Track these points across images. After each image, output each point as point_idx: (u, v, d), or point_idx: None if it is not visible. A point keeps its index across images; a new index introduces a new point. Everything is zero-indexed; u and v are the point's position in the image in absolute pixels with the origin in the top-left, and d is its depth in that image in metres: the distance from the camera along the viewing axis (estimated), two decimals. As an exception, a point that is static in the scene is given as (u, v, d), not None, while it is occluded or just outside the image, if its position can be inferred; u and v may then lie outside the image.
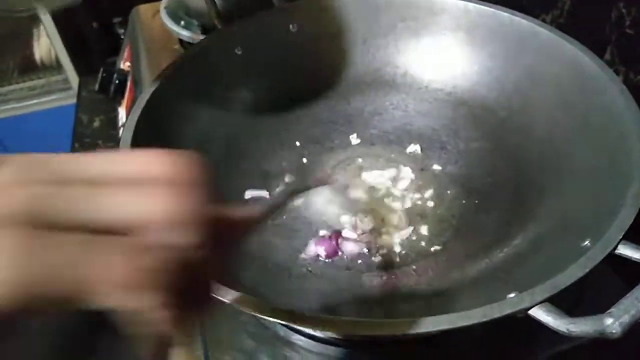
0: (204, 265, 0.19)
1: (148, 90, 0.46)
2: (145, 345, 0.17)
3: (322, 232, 0.46)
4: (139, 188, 0.17)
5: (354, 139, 0.55)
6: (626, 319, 0.26)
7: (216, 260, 0.20)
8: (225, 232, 0.21)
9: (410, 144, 0.54)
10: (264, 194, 0.50)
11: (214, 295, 0.21)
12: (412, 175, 0.50)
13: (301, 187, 0.43)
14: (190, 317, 0.20)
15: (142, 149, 0.19)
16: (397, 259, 0.44)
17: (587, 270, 0.30)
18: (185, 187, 0.18)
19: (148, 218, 0.17)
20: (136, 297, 0.16)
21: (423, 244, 0.45)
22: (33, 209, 0.16)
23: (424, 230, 0.46)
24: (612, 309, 0.26)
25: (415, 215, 0.47)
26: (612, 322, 0.26)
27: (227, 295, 0.30)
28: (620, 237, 0.31)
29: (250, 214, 0.25)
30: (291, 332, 0.43)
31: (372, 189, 0.50)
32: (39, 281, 0.15)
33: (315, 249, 0.45)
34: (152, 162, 0.18)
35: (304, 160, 0.53)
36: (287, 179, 0.51)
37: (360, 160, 0.53)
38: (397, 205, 0.48)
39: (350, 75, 0.59)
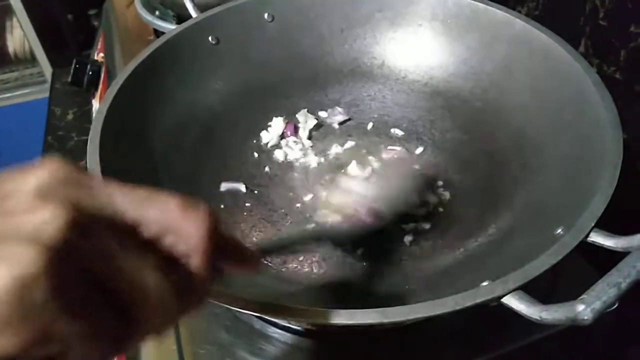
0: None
1: (119, 79, 0.45)
2: None
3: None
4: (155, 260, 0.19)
5: (332, 130, 0.55)
6: (597, 305, 0.26)
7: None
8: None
9: (387, 134, 0.54)
10: (241, 186, 0.49)
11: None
12: (390, 165, 0.50)
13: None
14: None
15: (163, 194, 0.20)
16: (372, 251, 0.44)
17: (560, 258, 0.30)
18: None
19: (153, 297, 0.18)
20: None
21: (397, 235, 0.44)
22: (64, 234, 0.16)
23: (399, 222, 0.46)
24: (584, 296, 0.26)
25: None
26: (583, 309, 0.26)
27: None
28: (592, 224, 0.31)
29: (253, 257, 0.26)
30: (267, 325, 0.42)
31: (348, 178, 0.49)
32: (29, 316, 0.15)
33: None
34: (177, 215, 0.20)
35: (281, 150, 0.53)
36: (266, 169, 0.51)
37: (338, 150, 0.52)
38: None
39: (328, 66, 0.59)
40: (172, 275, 0.19)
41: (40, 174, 0.17)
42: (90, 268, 0.16)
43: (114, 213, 0.18)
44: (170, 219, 0.19)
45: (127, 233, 0.19)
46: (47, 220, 0.16)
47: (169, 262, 0.20)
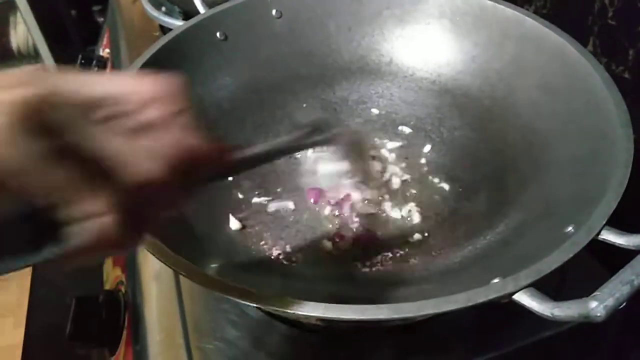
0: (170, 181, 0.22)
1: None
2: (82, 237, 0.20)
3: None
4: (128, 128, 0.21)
5: (340, 127, 0.55)
6: (610, 302, 0.26)
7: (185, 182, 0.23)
8: (199, 159, 0.24)
9: (395, 132, 0.54)
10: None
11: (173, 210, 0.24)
12: (397, 163, 0.50)
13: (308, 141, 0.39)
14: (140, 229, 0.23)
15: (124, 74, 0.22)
16: (382, 246, 0.44)
17: (571, 255, 0.30)
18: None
19: (131, 90, 0.21)
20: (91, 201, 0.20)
21: (407, 231, 0.45)
22: (35, 102, 0.19)
23: (408, 217, 0.46)
24: (597, 293, 0.26)
25: (399, 203, 0.47)
26: (596, 306, 0.26)
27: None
28: (604, 222, 0.31)
29: (226, 149, 0.27)
30: (274, 320, 0.42)
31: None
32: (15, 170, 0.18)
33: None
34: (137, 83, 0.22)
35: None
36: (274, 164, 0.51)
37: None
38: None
39: (335, 63, 0.59)
40: (150, 140, 0.21)
41: (22, 70, 0.20)
42: (60, 134, 0.19)
43: (78, 93, 0.21)
44: (134, 92, 0.22)
45: (93, 109, 0.21)
46: (20, 92, 0.19)
47: (147, 130, 0.22)
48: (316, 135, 0.38)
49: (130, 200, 0.21)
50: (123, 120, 0.21)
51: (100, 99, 0.21)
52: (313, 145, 0.40)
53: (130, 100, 0.21)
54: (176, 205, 0.24)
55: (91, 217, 0.20)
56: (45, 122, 0.19)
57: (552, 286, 0.32)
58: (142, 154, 0.21)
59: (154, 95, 0.22)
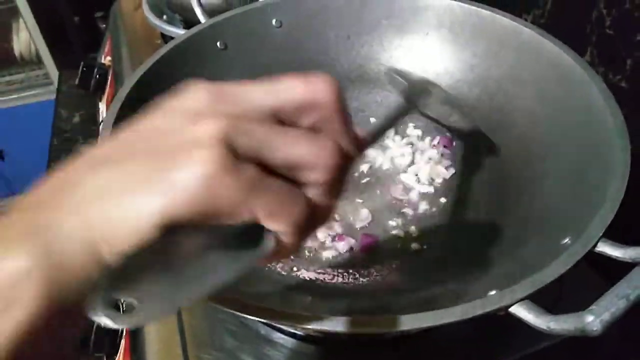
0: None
1: (127, 84, 0.46)
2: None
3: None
4: (304, 133, 0.22)
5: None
6: (607, 316, 0.26)
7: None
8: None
9: (393, 140, 0.54)
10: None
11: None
12: (395, 172, 0.50)
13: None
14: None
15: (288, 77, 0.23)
16: (380, 257, 0.44)
17: (568, 267, 0.30)
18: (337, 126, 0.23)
19: (312, 161, 0.21)
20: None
21: (404, 242, 0.45)
22: (226, 138, 0.20)
23: (405, 228, 0.46)
24: (593, 307, 0.26)
25: (396, 214, 0.47)
26: (592, 320, 0.26)
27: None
28: (601, 234, 0.31)
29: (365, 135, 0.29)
30: (272, 331, 0.42)
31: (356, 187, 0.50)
32: (218, 200, 0.19)
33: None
34: (305, 89, 0.22)
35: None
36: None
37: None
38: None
39: (335, 72, 0.59)
40: (321, 138, 0.22)
41: (191, 96, 0.22)
42: (253, 157, 0.20)
43: (255, 109, 0.22)
44: (301, 96, 0.22)
45: (271, 120, 0.22)
46: (210, 130, 0.20)
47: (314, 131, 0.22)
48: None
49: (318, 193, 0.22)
50: (294, 126, 0.22)
51: (273, 109, 0.22)
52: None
53: (295, 105, 0.22)
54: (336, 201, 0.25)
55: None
56: (243, 148, 0.20)
57: (550, 297, 0.32)
58: (322, 154, 0.22)
59: (316, 99, 0.22)
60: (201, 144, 0.19)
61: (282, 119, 0.22)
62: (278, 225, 0.21)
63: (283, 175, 0.22)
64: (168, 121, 0.21)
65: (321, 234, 0.45)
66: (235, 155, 0.20)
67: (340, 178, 0.23)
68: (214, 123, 0.20)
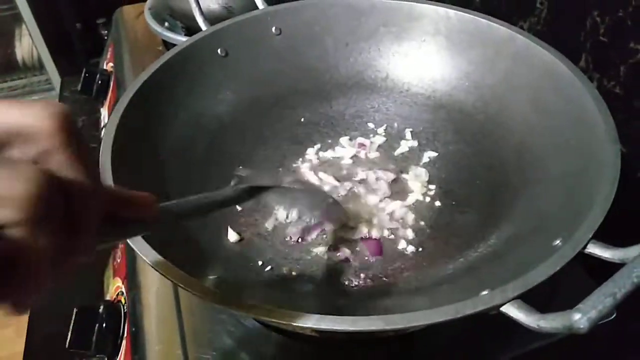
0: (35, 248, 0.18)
1: (130, 90, 0.47)
2: None
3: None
4: None
5: (336, 140, 0.56)
6: (593, 314, 0.27)
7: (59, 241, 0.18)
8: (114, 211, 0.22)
9: (390, 146, 0.55)
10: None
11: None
12: (392, 176, 0.51)
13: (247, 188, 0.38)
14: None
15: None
16: (376, 260, 0.45)
17: (558, 268, 0.31)
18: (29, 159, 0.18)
19: None
20: None
21: (399, 244, 0.45)
22: None
23: (400, 231, 0.47)
24: (580, 305, 0.27)
25: (392, 216, 0.48)
26: (579, 318, 0.27)
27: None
28: (590, 236, 0.32)
29: (145, 201, 0.24)
30: (270, 331, 0.43)
31: (352, 191, 0.50)
32: None
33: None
34: (18, 115, 0.18)
35: (286, 160, 0.54)
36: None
37: (342, 161, 0.53)
38: (375, 205, 0.49)
39: (333, 78, 0.60)
40: (17, 165, 0.17)
41: None
42: None
43: None
44: (11, 123, 0.18)
45: None
46: None
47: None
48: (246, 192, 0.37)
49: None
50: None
51: None
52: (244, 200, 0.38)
53: (4, 133, 0.18)
54: (66, 255, 0.20)
55: None
56: None
57: (542, 297, 0.33)
58: (13, 184, 0.17)
59: (31, 127, 0.18)
60: None
61: None
62: None
63: None
64: None
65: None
66: None
67: (64, 214, 0.18)
68: None
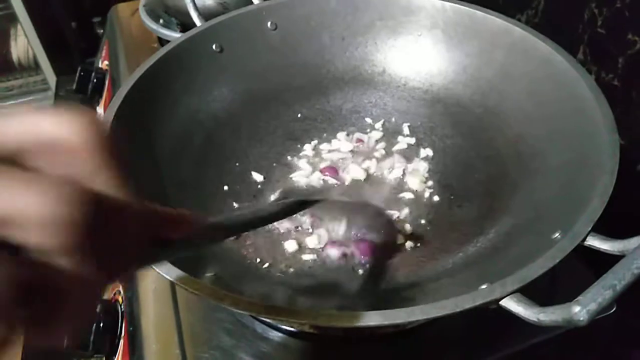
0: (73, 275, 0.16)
1: (124, 87, 0.46)
2: None
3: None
4: (22, 176, 0.15)
5: (333, 136, 0.55)
6: (593, 306, 0.26)
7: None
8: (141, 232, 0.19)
9: (388, 141, 0.54)
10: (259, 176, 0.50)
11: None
12: (390, 171, 0.51)
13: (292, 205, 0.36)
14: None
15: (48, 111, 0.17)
16: (374, 256, 0.44)
17: (557, 261, 0.30)
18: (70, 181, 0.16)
19: (18, 215, 0.15)
20: None
21: (398, 239, 0.45)
22: None
23: (399, 225, 0.46)
24: (579, 298, 0.27)
25: (391, 210, 0.48)
26: (579, 310, 0.26)
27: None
28: (589, 229, 0.32)
29: (187, 219, 0.22)
30: (269, 328, 0.43)
31: (349, 186, 0.50)
32: None
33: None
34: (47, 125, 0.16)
35: (283, 156, 0.54)
36: (265, 176, 0.51)
37: (339, 156, 0.53)
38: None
39: (329, 73, 0.60)
40: (42, 180, 0.15)
41: None
42: None
43: None
44: (37, 134, 0.16)
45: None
46: None
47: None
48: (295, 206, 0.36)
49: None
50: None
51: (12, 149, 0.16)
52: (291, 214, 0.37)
53: (30, 145, 0.16)
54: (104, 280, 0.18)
55: None
56: None
57: (542, 290, 0.33)
58: (35, 202, 0.15)
59: (59, 138, 0.16)
60: None
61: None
62: None
63: None
64: None
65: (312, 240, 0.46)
66: None
67: (92, 234, 0.16)
68: None
